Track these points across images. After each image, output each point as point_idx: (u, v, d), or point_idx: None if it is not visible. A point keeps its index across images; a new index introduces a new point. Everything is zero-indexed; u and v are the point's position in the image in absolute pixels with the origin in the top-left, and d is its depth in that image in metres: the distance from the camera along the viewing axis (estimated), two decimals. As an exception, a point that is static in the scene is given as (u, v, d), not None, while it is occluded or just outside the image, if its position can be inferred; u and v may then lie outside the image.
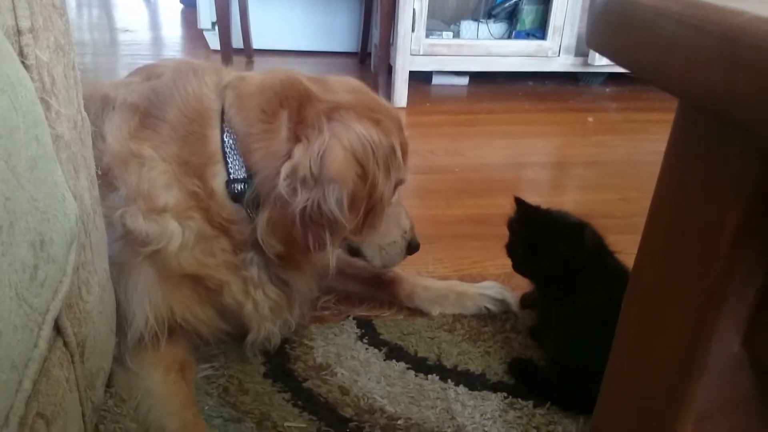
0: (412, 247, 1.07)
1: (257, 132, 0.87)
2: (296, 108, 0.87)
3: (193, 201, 0.88)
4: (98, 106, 0.91)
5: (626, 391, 0.65)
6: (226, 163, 0.87)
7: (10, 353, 0.47)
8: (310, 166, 0.83)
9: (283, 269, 0.96)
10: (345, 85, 0.94)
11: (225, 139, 0.87)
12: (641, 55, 0.45)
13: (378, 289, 1.18)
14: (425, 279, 1.21)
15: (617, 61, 0.49)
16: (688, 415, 0.53)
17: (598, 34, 0.51)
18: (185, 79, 0.91)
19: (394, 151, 0.91)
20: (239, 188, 0.88)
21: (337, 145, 0.84)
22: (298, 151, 0.84)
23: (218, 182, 0.88)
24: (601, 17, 0.50)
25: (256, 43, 3.03)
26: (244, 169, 0.88)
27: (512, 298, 1.18)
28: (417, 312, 1.17)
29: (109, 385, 0.91)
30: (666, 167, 0.57)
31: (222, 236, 0.91)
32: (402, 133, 0.95)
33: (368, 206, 0.91)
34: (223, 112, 0.89)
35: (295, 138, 0.86)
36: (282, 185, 0.84)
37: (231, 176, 0.88)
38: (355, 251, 1.06)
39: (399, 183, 0.98)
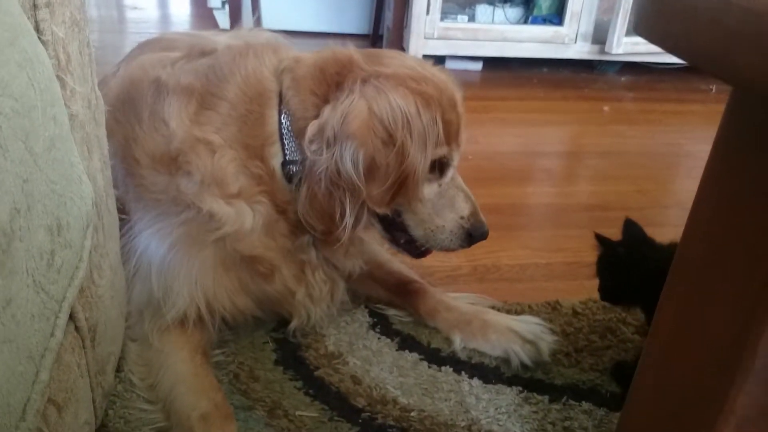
0: (473, 237, 0.96)
1: (311, 116, 0.88)
2: (336, 83, 0.88)
3: (259, 185, 0.90)
4: (153, 90, 0.93)
5: (659, 393, 0.63)
6: (283, 144, 0.89)
7: (27, 343, 0.45)
8: (334, 126, 0.83)
9: (328, 249, 0.96)
10: (399, 59, 0.92)
11: (282, 121, 0.89)
12: (700, 44, 0.42)
13: (401, 298, 1.11)
14: (451, 299, 1.10)
15: (670, 49, 0.46)
16: (728, 420, 0.51)
17: (649, 20, 0.48)
18: (245, 57, 0.93)
19: (435, 125, 0.87)
20: (293, 169, 0.89)
21: (363, 104, 0.83)
22: (326, 111, 0.85)
23: (276, 162, 0.90)
24: (653, 2, 0.48)
25: (266, 24, 2.98)
26: (298, 152, 0.89)
27: (548, 344, 1.00)
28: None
29: (118, 371, 0.90)
30: (714, 159, 0.54)
31: (281, 219, 0.92)
32: (453, 110, 0.91)
33: (398, 178, 0.87)
34: (280, 95, 0.90)
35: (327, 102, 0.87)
36: (309, 148, 0.84)
37: (287, 158, 0.89)
38: (395, 230, 0.98)
39: (442, 160, 0.92)
